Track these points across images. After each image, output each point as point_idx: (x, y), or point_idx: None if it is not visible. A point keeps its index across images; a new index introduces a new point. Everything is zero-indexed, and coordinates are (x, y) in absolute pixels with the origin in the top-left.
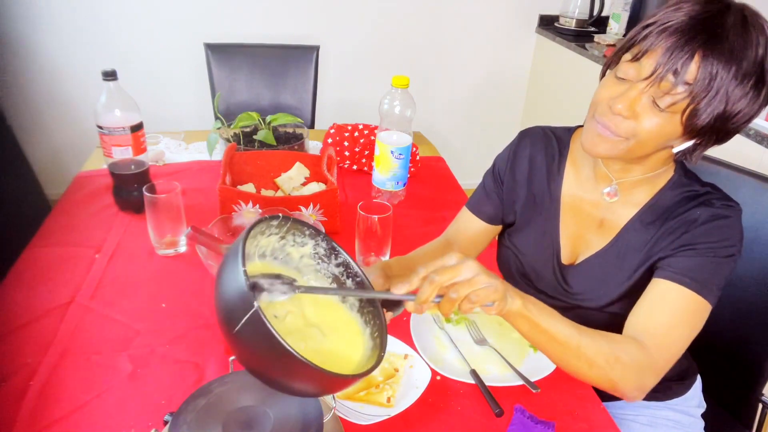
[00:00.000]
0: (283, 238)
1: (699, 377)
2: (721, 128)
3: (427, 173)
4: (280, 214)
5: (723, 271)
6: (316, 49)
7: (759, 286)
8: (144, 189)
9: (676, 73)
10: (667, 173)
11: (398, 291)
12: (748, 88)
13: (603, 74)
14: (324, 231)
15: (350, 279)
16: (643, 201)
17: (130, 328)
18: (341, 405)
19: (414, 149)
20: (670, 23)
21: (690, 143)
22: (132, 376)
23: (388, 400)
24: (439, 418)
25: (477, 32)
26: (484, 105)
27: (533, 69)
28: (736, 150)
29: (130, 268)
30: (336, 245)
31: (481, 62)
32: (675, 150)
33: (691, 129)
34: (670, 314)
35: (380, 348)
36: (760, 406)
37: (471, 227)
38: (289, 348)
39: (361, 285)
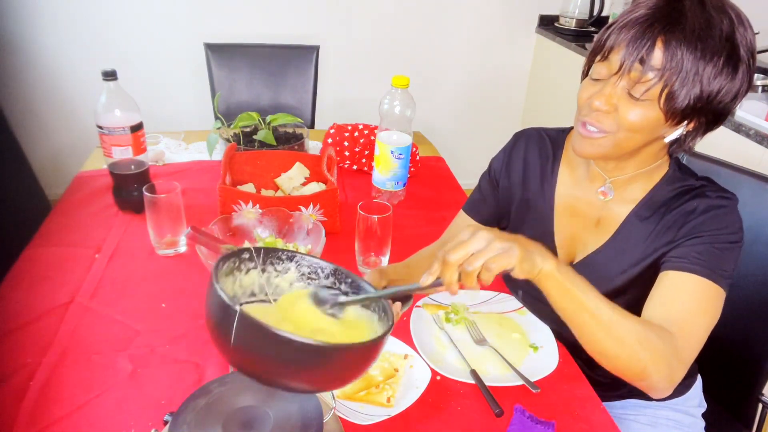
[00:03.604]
0: (264, 271)
1: (699, 377)
2: (707, 109)
3: (427, 173)
4: (249, 246)
5: (729, 257)
6: (316, 49)
7: (759, 286)
8: (144, 189)
9: (642, 61)
10: (661, 168)
11: (426, 281)
12: (721, 66)
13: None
14: (323, 233)
15: (344, 284)
16: (638, 197)
17: (130, 328)
18: (341, 405)
19: (414, 149)
20: (629, 18)
21: (680, 129)
22: (132, 376)
23: (388, 400)
24: (439, 418)
25: (477, 32)
26: (485, 105)
27: (533, 69)
28: (736, 150)
29: (130, 268)
30: (315, 257)
31: (482, 62)
32: (667, 140)
33: (672, 113)
34: (688, 303)
35: (388, 319)
36: (760, 406)
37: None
38: (286, 335)
39: (356, 286)
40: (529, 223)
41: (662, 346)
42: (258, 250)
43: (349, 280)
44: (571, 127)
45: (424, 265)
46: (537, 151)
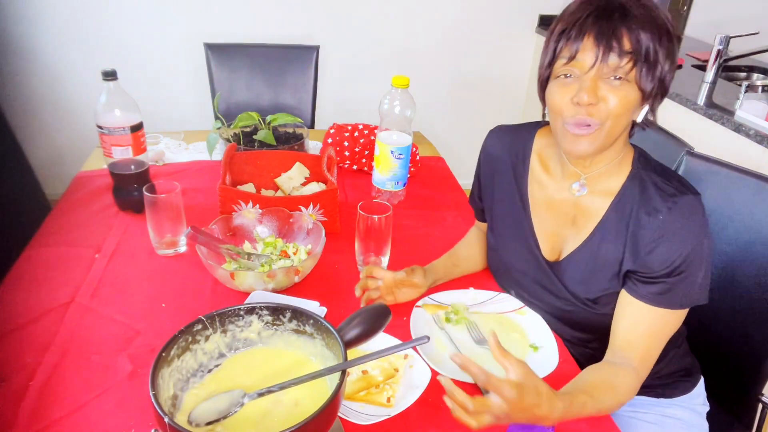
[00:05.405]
0: (224, 331)
1: (702, 377)
2: (662, 86)
3: (427, 173)
4: (201, 317)
5: (694, 279)
6: (316, 49)
7: (759, 287)
8: (144, 189)
9: (614, 49)
10: (626, 161)
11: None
12: (666, 42)
13: (542, 90)
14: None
15: (307, 325)
16: (610, 194)
17: (130, 328)
18: (341, 405)
19: (414, 149)
20: (582, 18)
21: (646, 108)
22: (132, 376)
23: (388, 400)
24: (439, 418)
25: (477, 32)
26: (485, 105)
27: (533, 69)
28: (736, 150)
29: (130, 268)
30: (272, 303)
31: (482, 62)
32: (639, 119)
33: (644, 91)
34: (648, 331)
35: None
36: (760, 406)
37: (483, 227)
38: None
39: (317, 324)
40: (508, 220)
41: (629, 394)
42: (211, 317)
43: (311, 321)
44: (541, 122)
45: (470, 256)
46: (507, 149)
